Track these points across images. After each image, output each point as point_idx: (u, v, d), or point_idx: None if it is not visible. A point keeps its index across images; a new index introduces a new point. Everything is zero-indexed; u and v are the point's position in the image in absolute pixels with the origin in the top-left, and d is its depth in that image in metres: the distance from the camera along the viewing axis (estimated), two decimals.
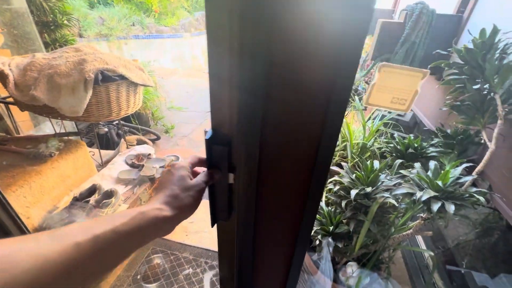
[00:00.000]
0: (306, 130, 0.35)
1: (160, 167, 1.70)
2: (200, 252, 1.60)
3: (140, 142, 2.33)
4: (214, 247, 1.65)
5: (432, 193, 0.76)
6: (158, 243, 1.64)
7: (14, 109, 1.68)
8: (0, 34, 1.21)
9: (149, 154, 1.79)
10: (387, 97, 0.32)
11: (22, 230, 1.05)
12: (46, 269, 0.23)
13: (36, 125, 2.08)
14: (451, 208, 0.72)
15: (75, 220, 1.26)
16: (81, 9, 7.00)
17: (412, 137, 1.06)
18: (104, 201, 1.33)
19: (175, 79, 5.05)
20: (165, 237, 1.68)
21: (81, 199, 1.36)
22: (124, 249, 0.31)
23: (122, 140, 2.03)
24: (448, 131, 1.11)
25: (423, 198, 0.75)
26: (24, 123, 2.03)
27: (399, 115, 1.63)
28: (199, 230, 1.76)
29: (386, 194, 0.83)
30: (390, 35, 1.36)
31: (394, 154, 1.10)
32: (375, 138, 1.39)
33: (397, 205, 0.81)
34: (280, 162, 0.41)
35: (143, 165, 1.67)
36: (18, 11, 1.81)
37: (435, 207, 0.73)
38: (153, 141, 2.68)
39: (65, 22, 2.49)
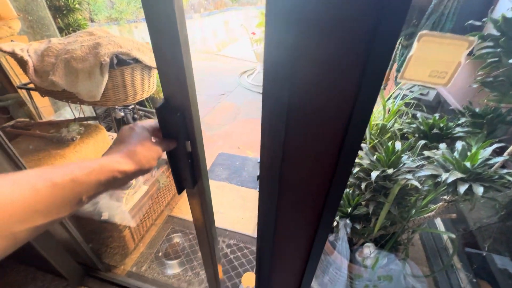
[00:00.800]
0: (336, 106, 0.33)
1: None
2: (218, 232, 1.66)
3: None
4: (230, 226, 1.70)
5: (459, 175, 0.73)
6: (177, 223, 1.70)
7: (35, 95, 1.74)
8: (17, 19, 1.21)
9: None
10: (425, 70, 0.29)
11: None
12: (4, 210, 0.24)
13: (56, 110, 2.14)
14: (479, 190, 0.69)
15: (99, 201, 1.32)
16: None
17: (438, 117, 1.01)
18: None
19: None
20: (183, 217, 1.74)
21: None
22: (81, 197, 0.32)
23: None
24: (477, 109, 1.04)
25: (449, 180, 0.72)
26: (45, 109, 2.09)
27: (421, 94, 1.55)
28: (215, 211, 1.81)
29: (409, 176, 0.80)
30: (414, 6, 1.26)
31: (416, 135, 1.05)
32: (396, 118, 1.33)
33: (420, 187, 0.79)
34: (306, 140, 0.39)
35: None
36: None
37: (462, 189, 0.70)
38: None
39: (77, 6, 2.47)
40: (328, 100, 0.34)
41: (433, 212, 0.89)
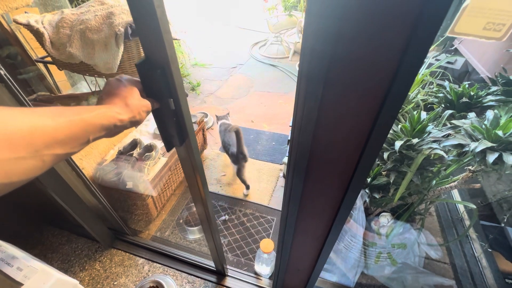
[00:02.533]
0: (376, 75, 0.32)
1: (193, 122, 1.74)
2: (234, 202, 1.72)
3: None
4: (247, 197, 1.76)
5: (489, 144, 0.71)
6: None
7: (52, 69, 1.75)
8: None
9: None
10: (480, 22, 0.27)
11: (82, 179, 1.18)
12: (36, 133, 0.30)
13: (73, 84, 2.17)
14: (510, 159, 0.67)
15: (122, 172, 1.38)
16: None
17: (467, 85, 0.96)
18: (146, 154, 1.43)
19: (197, 33, 4.85)
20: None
21: (125, 152, 1.47)
22: (88, 136, 0.36)
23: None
24: (511, 77, 0.98)
25: (478, 149, 0.70)
26: (62, 83, 2.12)
27: (449, 62, 1.46)
28: (232, 183, 1.86)
29: (435, 145, 0.79)
30: None
31: (443, 105, 1.01)
32: (419, 89, 1.27)
33: (446, 156, 0.77)
34: (342, 108, 0.39)
35: None
36: None
37: (491, 158, 0.69)
38: None
39: None
40: (368, 69, 0.33)
41: (455, 182, 0.88)
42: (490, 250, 1.22)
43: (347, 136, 0.42)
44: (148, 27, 0.41)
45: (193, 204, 1.69)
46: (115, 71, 1.36)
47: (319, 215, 0.60)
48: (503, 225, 1.18)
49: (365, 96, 0.36)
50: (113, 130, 0.41)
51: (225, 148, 1.76)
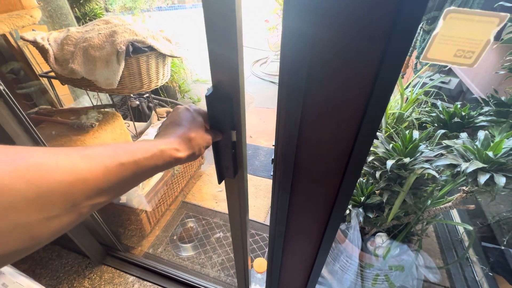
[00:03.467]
0: (353, 94, 0.33)
1: None
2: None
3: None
4: None
5: (480, 164, 0.71)
6: (191, 209, 1.75)
7: (56, 84, 1.80)
8: (38, 9, 1.25)
9: None
10: (450, 49, 0.28)
11: None
12: (77, 185, 0.24)
13: (75, 98, 2.22)
14: (501, 180, 0.67)
15: None
16: None
17: (459, 105, 0.97)
18: None
19: (200, 50, 5.00)
20: (196, 203, 1.79)
21: None
22: (139, 179, 0.32)
23: (154, 112, 2.11)
24: (503, 98, 0.99)
25: (469, 170, 0.70)
26: (65, 97, 2.17)
27: (442, 82, 1.48)
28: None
29: (426, 165, 0.78)
30: None
31: (436, 124, 1.02)
32: (414, 108, 1.29)
33: (437, 176, 0.77)
34: (321, 127, 0.39)
35: None
36: None
37: (482, 179, 0.68)
38: None
39: None
40: (344, 88, 0.33)
41: (450, 203, 0.87)
42: (491, 273, 1.18)
43: (328, 154, 0.42)
44: (224, 60, 0.40)
45: (187, 220, 1.67)
46: (115, 86, 1.40)
47: (306, 235, 0.59)
48: (502, 248, 1.14)
49: (343, 114, 0.36)
50: (166, 168, 0.36)
51: None
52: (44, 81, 1.71)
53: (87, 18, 2.48)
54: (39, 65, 1.79)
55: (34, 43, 1.41)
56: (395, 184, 0.85)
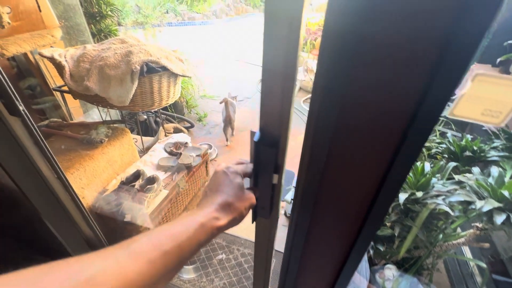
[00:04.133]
0: (385, 134, 0.33)
1: (196, 155, 1.76)
2: (232, 240, 1.66)
3: (176, 130, 2.43)
4: (245, 235, 1.70)
5: (496, 204, 0.70)
6: None
7: (67, 97, 1.84)
8: (58, 28, 1.30)
9: (186, 143, 1.86)
10: (477, 108, 0.28)
11: (80, 209, 1.16)
12: None
13: (85, 111, 2.25)
14: None
15: (123, 203, 1.36)
16: None
17: (470, 139, 0.97)
18: (148, 186, 1.42)
19: (207, 66, 5.12)
20: None
21: (127, 183, 1.46)
22: (182, 262, 0.32)
23: (161, 128, 2.13)
24: None
25: (485, 209, 0.69)
26: (75, 109, 2.21)
27: None
28: None
29: (439, 201, 0.77)
30: None
31: (446, 156, 1.01)
32: None
33: (452, 213, 0.76)
34: (347, 167, 0.39)
35: (180, 153, 1.74)
36: (70, 3, 1.93)
37: (499, 219, 0.67)
38: (187, 128, 2.78)
39: (109, 12, 2.60)
40: (372, 141, 0.34)
41: (463, 239, 0.85)
42: None
43: (350, 199, 0.42)
44: (276, 102, 0.39)
45: None
46: (127, 104, 1.42)
47: (320, 275, 0.58)
48: None
49: (377, 145, 0.36)
50: (208, 242, 0.35)
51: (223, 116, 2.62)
52: (58, 96, 1.75)
53: (102, 34, 2.57)
54: (53, 78, 1.84)
55: (52, 59, 1.45)
56: (407, 218, 0.83)
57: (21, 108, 0.77)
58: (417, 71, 0.28)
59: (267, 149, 0.42)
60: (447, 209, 0.75)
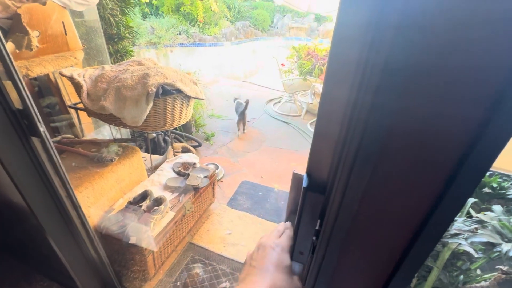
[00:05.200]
0: (424, 184, 0.32)
1: (204, 176, 1.75)
2: (237, 266, 1.60)
3: (184, 150, 2.44)
4: None
5: None
6: (197, 251, 1.67)
7: (80, 113, 1.88)
8: (81, 50, 1.36)
9: (194, 163, 1.86)
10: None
11: (86, 229, 1.14)
12: None
13: (96, 128, 2.29)
14: None
15: (128, 224, 1.34)
16: (136, 19, 7.68)
17: (488, 174, 0.95)
18: (155, 207, 1.40)
19: (216, 87, 5.24)
20: (204, 246, 1.72)
21: (134, 203, 1.45)
22: None
23: (170, 147, 2.14)
24: None
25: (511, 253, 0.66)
26: (87, 125, 2.24)
27: None
28: (236, 243, 1.77)
29: (462, 241, 0.74)
30: None
31: None
32: None
33: (476, 255, 0.72)
34: (379, 217, 0.38)
35: (188, 174, 1.73)
36: (92, 26, 2.03)
37: None
38: (194, 147, 2.79)
39: (127, 34, 2.73)
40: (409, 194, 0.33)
41: (487, 283, 0.80)
42: None
43: (380, 251, 0.40)
44: (328, 147, 0.39)
45: (193, 264, 1.59)
46: (140, 124, 1.44)
47: None
48: None
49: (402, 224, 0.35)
50: None
51: (237, 112, 3.27)
52: (73, 114, 1.78)
53: (119, 54, 2.67)
54: (69, 95, 1.89)
55: (71, 79, 1.50)
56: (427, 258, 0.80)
57: (41, 129, 0.78)
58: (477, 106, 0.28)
59: (315, 195, 0.41)
60: (471, 250, 0.72)
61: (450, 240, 0.77)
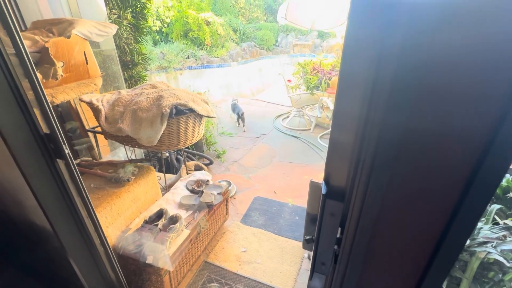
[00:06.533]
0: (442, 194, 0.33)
1: (217, 193, 1.76)
2: (254, 286, 1.56)
3: (197, 168, 2.47)
4: (267, 280, 1.60)
5: None
6: (213, 271, 1.65)
7: (98, 136, 1.96)
8: (100, 77, 1.45)
9: (207, 181, 1.88)
10: None
11: (106, 250, 1.16)
12: None
13: (112, 150, 2.37)
14: None
15: (145, 243, 1.35)
16: (148, 46, 8.10)
17: (511, 179, 0.92)
18: (170, 226, 1.41)
19: (225, 105, 5.36)
20: (219, 264, 1.69)
21: (150, 222, 1.46)
22: None
23: (183, 165, 2.18)
24: None
25: None
26: (103, 148, 2.33)
27: None
28: (252, 261, 1.73)
29: (490, 249, 0.71)
30: None
31: None
32: None
33: (508, 264, 0.69)
34: (400, 224, 0.38)
35: (202, 191, 1.75)
36: (109, 54, 2.17)
37: None
38: (206, 165, 2.82)
39: (140, 61, 2.88)
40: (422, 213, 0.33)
41: None
42: None
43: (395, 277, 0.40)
44: (343, 159, 0.40)
45: (210, 285, 1.56)
46: (155, 144, 1.49)
47: None
48: None
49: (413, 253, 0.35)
50: None
51: (233, 111, 4.05)
52: (91, 137, 1.87)
53: (133, 80, 2.81)
54: (87, 120, 1.99)
55: (90, 104, 1.59)
56: (455, 268, 0.76)
57: (66, 151, 0.83)
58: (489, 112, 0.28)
59: (333, 202, 0.42)
60: (501, 259, 0.68)
61: (478, 249, 0.73)
